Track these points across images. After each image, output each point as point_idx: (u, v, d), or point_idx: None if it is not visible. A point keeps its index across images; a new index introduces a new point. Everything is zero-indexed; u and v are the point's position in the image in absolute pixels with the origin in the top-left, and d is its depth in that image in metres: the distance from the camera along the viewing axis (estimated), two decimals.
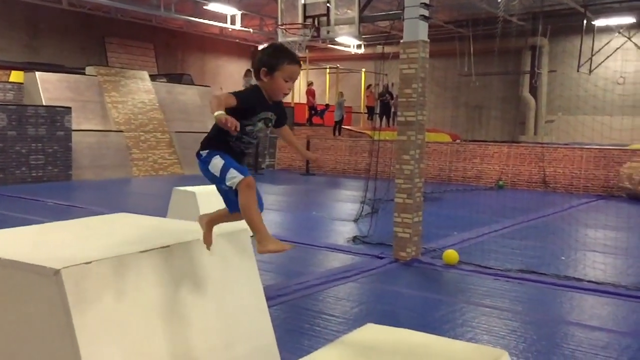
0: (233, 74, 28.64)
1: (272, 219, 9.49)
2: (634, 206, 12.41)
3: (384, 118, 21.75)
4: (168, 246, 2.45)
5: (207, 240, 2.63)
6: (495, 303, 5.26)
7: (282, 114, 2.68)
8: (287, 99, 25.42)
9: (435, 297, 5.47)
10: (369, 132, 18.79)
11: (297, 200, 13.15)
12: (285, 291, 5.29)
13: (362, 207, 9.87)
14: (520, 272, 6.30)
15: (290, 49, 2.65)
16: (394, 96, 20.17)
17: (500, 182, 15.68)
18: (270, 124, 2.64)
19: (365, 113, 24.39)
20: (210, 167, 2.52)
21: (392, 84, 20.63)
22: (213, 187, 8.95)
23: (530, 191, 15.04)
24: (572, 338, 4.42)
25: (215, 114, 2.30)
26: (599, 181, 14.62)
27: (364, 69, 26.06)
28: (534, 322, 4.81)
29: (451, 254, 6.64)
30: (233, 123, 2.27)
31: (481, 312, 4.97)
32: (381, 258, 6.78)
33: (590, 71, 20.65)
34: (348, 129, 21.85)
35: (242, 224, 3.44)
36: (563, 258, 7.21)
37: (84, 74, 17.32)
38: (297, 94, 25.49)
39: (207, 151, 2.55)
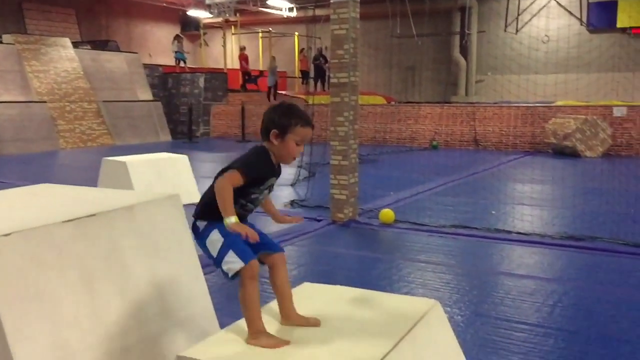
0: (162, 40, 27.74)
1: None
2: (559, 160, 12.98)
3: (319, 82, 21.68)
4: (94, 215, 2.35)
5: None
6: (430, 258, 5.41)
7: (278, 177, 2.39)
8: (220, 65, 24.90)
9: (372, 256, 5.57)
10: (304, 97, 18.70)
11: None
12: None
13: (299, 171, 9.88)
14: (454, 227, 6.49)
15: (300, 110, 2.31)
16: (328, 60, 20.09)
17: (434, 143, 16.03)
18: (272, 189, 2.39)
19: (299, 77, 24.22)
20: (207, 244, 2.20)
21: (326, 48, 20.51)
22: (145, 157, 8.61)
23: (463, 150, 15.46)
24: (501, 287, 4.62)
25: (227, 222, 2.05)
26: (526, 138, 15.18)
27: (297, 33, 25.78)
28: (466, 274, 4.98)
29: (387, 214, 6.76)
30: (253, 236, 2.05)
31: (416, 267, 5.10)
32: (319, 220, 6.82)
33: (517, 30, 21.19)
34: (283, 94, 21.66)
35: (172, 187, 3.36)
36: (493, 212, 7.47)
37: (0, 42, 16.32)
38: (230, 60, 24.98)
39: (205, 223, 2.22)
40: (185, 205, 2.92)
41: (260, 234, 2.27)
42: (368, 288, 2.67)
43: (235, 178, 2.13)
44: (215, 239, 2.16)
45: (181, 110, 19.74)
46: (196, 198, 8.64)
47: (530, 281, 4.73)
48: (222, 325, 2.68)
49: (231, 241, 2.12)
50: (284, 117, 2.23)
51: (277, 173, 2.32)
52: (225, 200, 2.09)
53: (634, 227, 6.36)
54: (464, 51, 24.02)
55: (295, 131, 2.22)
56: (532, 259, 5.45)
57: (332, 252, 5.70)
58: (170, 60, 22.57)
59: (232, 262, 2.10)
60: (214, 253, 2.16)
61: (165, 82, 20.38)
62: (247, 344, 2.06)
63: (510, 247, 5.81)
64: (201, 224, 2.22)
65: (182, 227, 2.85)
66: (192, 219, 2.31)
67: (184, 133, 19.06)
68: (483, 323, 3.85)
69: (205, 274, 3.15)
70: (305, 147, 8.68)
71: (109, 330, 2.29)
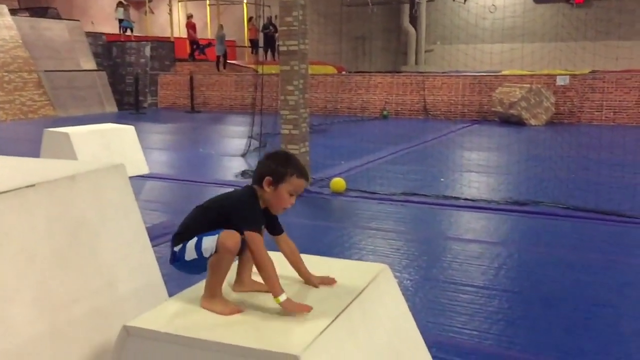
0: (104, 7, 26.70)
1: (156, 159, 9.18)
2: (505, 128, 13.29)
3: (268, 51, 21.39)
4: (33, 185, 2.26)
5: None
6: (381, 225, 5.48)
7: (271, 220, 2.29)
8: (166, 33, 24.22)
9: (324, 224, 5.61)
10: (253, 66, 18.44)
11: (183, 138, 12.78)
12: (173, 229, 5.16)
13: (250, 141, 9.79)
14: (404, 195, 6.59)
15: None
16: (278, 29, 19.82)
17: (385, 112, 16.13)
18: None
19: (249, 47, 23.82)
20: (187, 257, 2.11)
21: (276, 17, 20.21)
22: (88, 127, 8.31)
23: (413, 119, 15.63)
24: (449, 251, 4.73)
25: (280, 300, 1.98)
26: (474, 107, 15.45)
27: (245, 1, 25.26)
28: (416, 240, 5.08)
29: (338, 182, 6.79)
30: (309, 309, 1.99)
31: (367, 235, 5.17)
32: None
33: (465, 0, 21.35)
34: (233, 64, 21.30)
35: (119, 159, 3.27)
36: (442, 179, 7.62)
37: None
38: (177, 28, 24.33)
39: (180, 246, 2.15)
40: (133, 178, 2.85)
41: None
42: (319, 255, 2.69)
43: (261, 241, 2.08)
44: (190, 246, 2.11)
45: (127, 80, 19.17)
46: (144, 170, 8.44)
47: (477, 245, 4.87)
48: (172, 295, 2.65)
49: (202, 234, 2.09)
50: (281, 166, 2.16)
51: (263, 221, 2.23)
52: (272, 276, 2.02)
53: (575, 192, 6.59)
54: (414, 20, 24.10)
55: (291, 181, 2.15)
56: (478, 224, 5.60)
57: (284, 222, 5.66)
58: (114, 29, 21.80)
59: (210, 243, 2.05)
60: (195, 254, 2.09)
61: (109, 51, 19.71)
62: (196, 312, 2.04)
63: (458, 213, 5.95)
64: (177, 248, 2.17)
65: (128, 197, 2.78)
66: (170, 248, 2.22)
67: (130, 104, 18.55)
68: (432, 287, 3.94)
69: (153, 245, 3.10)
70: (256, 116, 8.55)
71: (53, 303, 2.23)
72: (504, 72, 16.70)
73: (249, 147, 9.62)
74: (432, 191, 6.76)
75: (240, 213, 2.11)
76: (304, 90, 6.82)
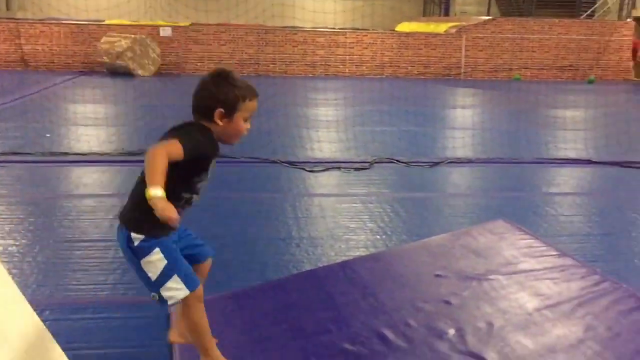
0: None
1: None
2: (114, 80, 13.09)
3: None
4: None
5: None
6: None
7: None
8: None
9: None
10: None
11: None
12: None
13: None
14: (3, 154, 5.95)
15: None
16: None
17: None
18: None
19: None
20: (144, 264, 1.83)
21: None
22: None
23: (9, 71, 14.01)
24: (60, 209, 4.51)
25: (152, 193, 1.62)
26: (79, 57, 14.72)
27: None
28: (21, 202, 4.68)
29: None
30: (174, 219, 1.63)
31: None
32: None
33: None
34: None
35: None
36: (48, 135, 7.12)
37: None
38: None
39: (141, 238, 1.82)
40: None
41: (190, 238, 2.08)
42: None
43: (174, 149, 1.71)
44: (155, 260, 1.83)
45: None
46: None
47: (91, 199, 4.77)
48: None
49: (174, 263, 1.84)
50: (229, 92, 1.85)
51: (219, 153, 1.94)
52: (157, 168, 1.66)
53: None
54: None
55: (245, 107, 1.87)
56: (91, 178, 5.46)
57: None
58: None
59: (176, 289, 1.85)
60: (153, 276, 1.85)
61: None
62: None
63: (69, 169, 5.70)
64: (137, 237, 1.83)
65: None
66: (120, 223, 1.90)
67: None
68: (42, 248, 3.70)
69: None
70: None
71: None
72: (107, 22, 16.25)
73: None
74: (36, 149, 6.26)
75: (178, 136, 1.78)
76: None
